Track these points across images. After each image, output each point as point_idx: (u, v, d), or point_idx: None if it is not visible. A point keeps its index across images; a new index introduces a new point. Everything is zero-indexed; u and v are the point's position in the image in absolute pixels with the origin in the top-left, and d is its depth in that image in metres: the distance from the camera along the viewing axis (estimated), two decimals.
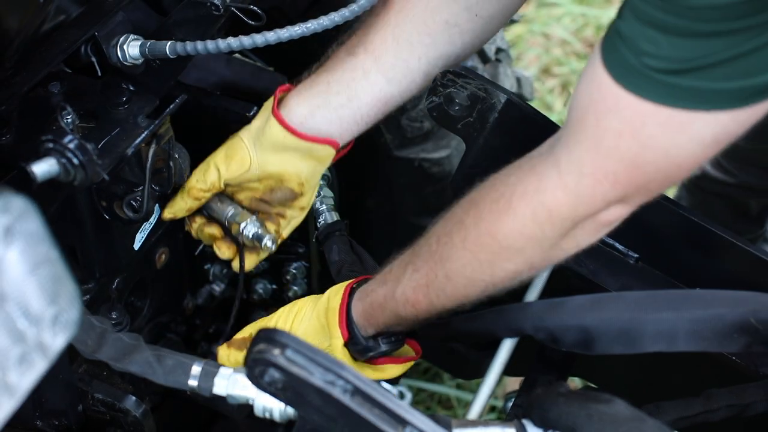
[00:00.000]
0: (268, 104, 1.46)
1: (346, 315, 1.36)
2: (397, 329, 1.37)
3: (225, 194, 1.51)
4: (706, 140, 1.04)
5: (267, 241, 1.47)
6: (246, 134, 1.47)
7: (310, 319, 1.41)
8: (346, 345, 1.37)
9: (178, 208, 1.50)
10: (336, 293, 1.39)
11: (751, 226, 2.40)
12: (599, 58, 1.05)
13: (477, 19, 1.40)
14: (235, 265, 1.54)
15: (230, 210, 1.50)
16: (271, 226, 1.51)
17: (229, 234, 1.52)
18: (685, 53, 0.99)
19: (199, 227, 1.54)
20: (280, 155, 1.45)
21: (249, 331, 1.48)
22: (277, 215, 1.52)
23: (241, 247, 1.52)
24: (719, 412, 1.32)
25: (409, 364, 1.43)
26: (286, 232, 1.54)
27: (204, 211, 1.52)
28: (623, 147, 1.06)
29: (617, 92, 1.03)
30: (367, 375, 1.30)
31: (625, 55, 1.02)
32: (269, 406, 1.20)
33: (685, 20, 0.97)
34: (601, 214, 1.13)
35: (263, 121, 1.45)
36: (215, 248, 1.54)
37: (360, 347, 1.37)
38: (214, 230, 1.52)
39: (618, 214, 1.14)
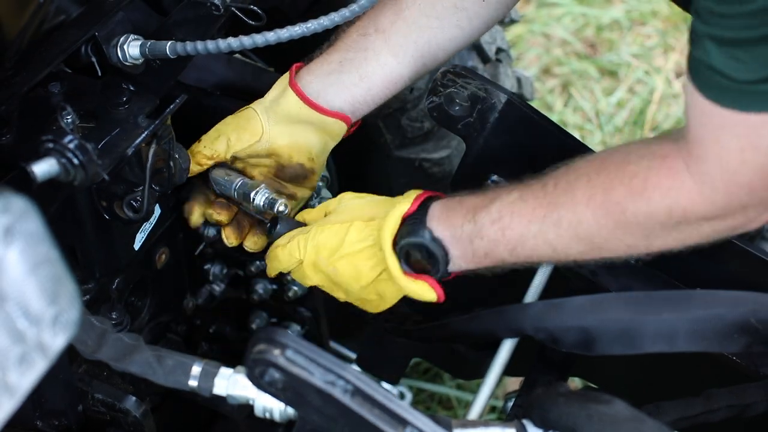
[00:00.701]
0: (284, 77, 1.48)
1: (423, 200, 1.31)
2: (457, 248, 1.28)
3: (233, 168, 1.50)
4: None
5: (280, 206, 1.44)
6: (259, 106, 1.48)
7: (377, 199, 1.40)
8: (405, 220, 1.30)
9: None
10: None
11: None
12: (693, 89, 1.09)
13: (485, 4, 1.44)
14: (252, 243, 1.52)
15: (239, 180, 1.48)
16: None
17: (239, 208, 1.50)
18: (766, 59, 1.02)
19: (203, 213, 1.52)
20: (292, 127, 1.46)
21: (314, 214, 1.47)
22: (289, 196, 1.51)
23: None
24: (719, 412, 1.32)
25: (433, 298, 1.31)
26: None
27: (214, 187, 1.50)
28: (749, 160, 1.08)
29: (722, 113, 1.07)
30: (394, 286, 1.32)
31: (717, 79, 1.05)
32: (269, 406, 1.20)
33: (751, 28, 1.01)
34: (739, 216, 1.15)
35: (278, 92, 1.47)
36: (223, 236, 1.52)
37: (419, 229, 1.27)
38: (222, 215, 1.50)
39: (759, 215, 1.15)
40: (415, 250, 1.28)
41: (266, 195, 1.45)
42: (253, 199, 1.45)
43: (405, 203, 1.29)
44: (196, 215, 1.53)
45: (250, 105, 1.49)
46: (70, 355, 1.31)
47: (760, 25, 1.00)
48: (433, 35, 1.45)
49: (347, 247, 1.34)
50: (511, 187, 1.26)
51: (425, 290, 1.29)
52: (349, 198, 1.42)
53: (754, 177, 1.09)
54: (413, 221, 1.28)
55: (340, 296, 1.42)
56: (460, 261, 1.28)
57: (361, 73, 1.45)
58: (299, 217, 1.48)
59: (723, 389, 1.32)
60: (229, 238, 1.52)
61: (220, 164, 1.50)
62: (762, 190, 1.11)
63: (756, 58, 1.02)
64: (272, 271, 1.46)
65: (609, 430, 1.11)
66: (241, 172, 1.50)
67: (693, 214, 1.14)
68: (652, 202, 1.14)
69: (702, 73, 1.07)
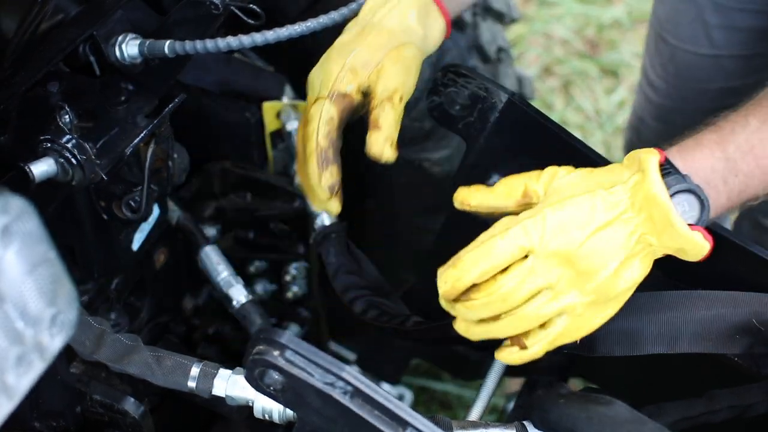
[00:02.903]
0: None
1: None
2: (710, 193, 1.14)
3: None
4: None
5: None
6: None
7: (600, 169, 1.18)
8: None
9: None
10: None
11: None
12: None
13: None
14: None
15: None
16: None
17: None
18: None
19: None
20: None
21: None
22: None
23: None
24: (721, 413, 1.31)
25: (707, 249, 1.14)
26: None
27: None
28: None
29: None
30: (679, 234, 1.10)
31: None
32: (268, 407, 1.20)
33: None
34: None
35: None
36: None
37: (679, 178, 1.12)
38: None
39: None
40: (678, 203, 1.12)
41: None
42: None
43: (653, 154, 1.12)
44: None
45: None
46: (68, 355, 1.30)
47: None
48: None
49: (599, 219, 1.12)
50: (743, 113, 1.15)
51: (702, 241, 1.12)
52: (564, 173, 1.19)
53: None
54: (666, 171, 1.12)
55: (585, 289, 1.14)
56: (713, 208, 1.14)
57: None
58: (479, 207, 1.22)
59: (725, 390, 1.32)
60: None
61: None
62: None
63: None
64: (466, 280, 1.15)
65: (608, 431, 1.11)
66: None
67: None
68: None
69: None
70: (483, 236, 1.15)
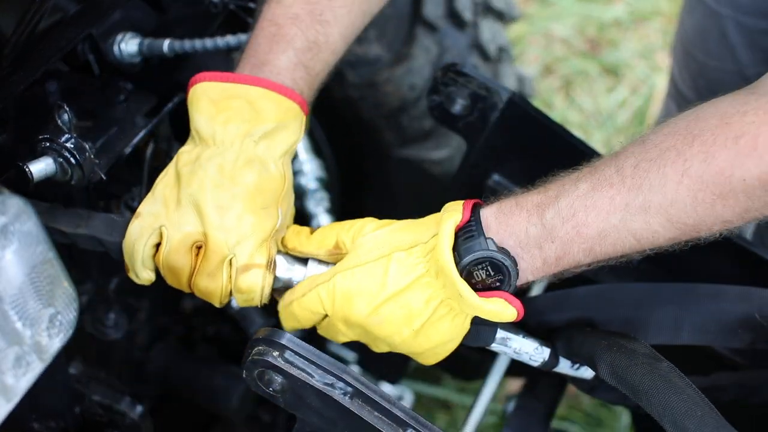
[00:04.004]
0: None
1: (471, 208, 1.13)
2: (524, 257, 1.11)
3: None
4: None
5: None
6: None
7: (408, 223, 1.18)
8: (457, 235, 1.11)
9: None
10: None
11: None
12: None
13: None
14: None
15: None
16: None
17: None
18: None
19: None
20: None
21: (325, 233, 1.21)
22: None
23: None
24: (728, 391, 1.31)
25: (513, 315, 1.12)
26: None
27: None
28: None
29: None
30: (471, 306, 1.09)
31: None
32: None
33: None
34: None
35: None
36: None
37: (480, 241, 1.09)
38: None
39: None
40: (479, 267, 1.10)
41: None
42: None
43: (454, 214, 1.11)
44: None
45: None
46: (66, 356, 1.30)
47: None
48: None
49: (392, 286, 1.12)
50: (574, 177, 1.11)
51: (503, 308, 1.10)
52: (371, 228, 1.18)
53: None
54: (468, 234, 1.10)
55: (383, 349, 1.20)
56: (527, 272, 1.11)
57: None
58: (293, 250, 1.21)
59: (732, 373, 1.32)
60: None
61: None
62: None
63: None
64: (290, 330, 1.20)
65: (623, 360, 1.09)
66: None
67: None
68: (763, 161, 1.01)
69: None
70: (287, 297, 1.19)
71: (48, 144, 1.21)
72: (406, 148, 1.88)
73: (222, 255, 1.15)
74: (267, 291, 1.17)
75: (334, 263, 1.18)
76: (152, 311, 1.63)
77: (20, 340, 1.00)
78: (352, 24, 1.28)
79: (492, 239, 1.09)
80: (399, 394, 2.10)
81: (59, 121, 1.23)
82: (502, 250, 1.09)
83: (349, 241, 1.18)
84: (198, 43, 1.33)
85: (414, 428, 1.06)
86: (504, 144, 1.42)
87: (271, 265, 1.17)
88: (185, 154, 1.20)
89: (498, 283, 1.10)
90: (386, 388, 1.96)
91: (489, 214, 1.12)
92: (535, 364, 1.21)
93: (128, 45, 1.36)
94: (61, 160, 1.21)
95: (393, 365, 1.81)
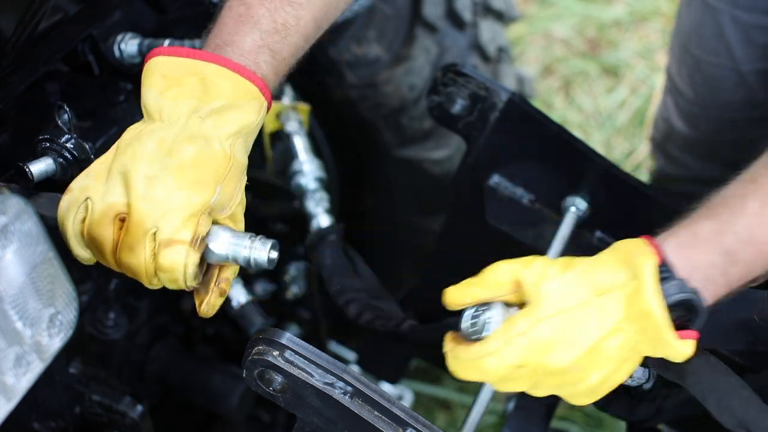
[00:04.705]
0: None
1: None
2: (708, 288, 1.08)
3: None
4: None
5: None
6: None
7: (592, 263, 1.11)
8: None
9: None
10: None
11: None
12: None
13: None
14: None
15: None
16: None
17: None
18: None
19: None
20: None
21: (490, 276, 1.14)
22: None
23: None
24: None
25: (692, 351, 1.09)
26: None
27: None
28: None
29: None
30: (669, 350, 1.07)
31: None
32: None
33: None
34: None
35: None
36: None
37: (675, 283, 1.05)
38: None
39: None
40: (677, 308, 1.07)
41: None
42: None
43: (649, 256, 1.07)
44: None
45: None
46: (66, 356, 1.30)
47: None
48: None
49: (594, 333, 1.08)
50: (739, 194, 1.09)
51: (689, 349, 1.08)
52: (556, 272, 1.10)
53: None
54: (664, 275, 1.07)
55: (549, 393, 1.14)
56: (714, 296, 1.10)
57: None
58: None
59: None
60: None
61: None
62: None
63: None
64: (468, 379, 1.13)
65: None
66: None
67: None
68: None
69: None
70: (475, 350, 1.09)
71: (48, 144, 1.21)
72: (406, 148, 1.88)
73: (144, 228, 1.06)
74: (191, 270, 1.08)
75: (516, 304, 1.13)
76: (152, 311, 1.63)
77: (20, 340, 1.00)
78: (326, 7, 1.22)
79: (686, 279, 1.06)
80: (399, 393, 2.10)
81: (59, 121, 1.23)
82: (694, 290, 1.06)
83: (533, 285, 1.10)
84: (197, 44, 1.33)
85: (414, 428, 1.06)
86: (504, 144, 1.42)
87: (196, 242, 1.07)
88: (130, 131, 1.13)
89: (688, 322, 1.07)
90: (386, 387, 1.96)
91: (670, 251, 1.08)
92: (633, 384, 1.21)
93: (128, 45, 1.36)
94: (61, 160, 1.21)
95: (393, 365, 1.81)
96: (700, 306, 1.07)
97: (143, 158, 1.08)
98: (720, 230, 1.08)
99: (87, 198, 1.09)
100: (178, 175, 1.08)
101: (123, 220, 1.08)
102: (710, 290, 1.08)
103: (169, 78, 1.12)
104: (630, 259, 1.08)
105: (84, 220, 1.10)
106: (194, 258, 1.08)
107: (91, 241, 1.10)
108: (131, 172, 1.08)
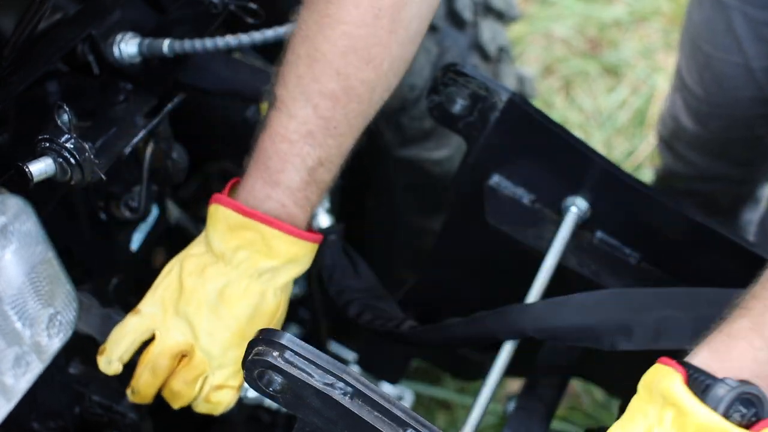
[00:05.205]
0: None
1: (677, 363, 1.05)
2: (760, 383, 1.02)
3: None
4: None
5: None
6: None
7: (623, 424, 1.08)
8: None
9: None
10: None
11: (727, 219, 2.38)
12: None
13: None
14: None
15: None
16: None
17: None
18: None
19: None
20: None
21: None
22: None
23: None
24: None
25: None
26: None
27: None
28: None
29: None
30: None
31: None
32: None
33: None
34: None
35: None
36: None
37: (711, 387, 1.00)
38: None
39: None
40: (735, 408, 1.01)
41: None
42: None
43: (674, 379, 1.02)
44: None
45: None
46: (67, 356, 1.30)
47: None
48: None
49: None
50: (765, 289, 1.06)
51: None
52: None
53: None
54: (700, 385, 1.02)
55: None
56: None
57: None
58: None
59: None
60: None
61: None
62: None
63: None
64: None
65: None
66: None
67: None
68: None
69: None
70: None
71: (48, 144, 1.21)
72: (406, 148, 1.88)
73: (203, 371, 1.25)
74: (230, 406, 1.30)
75: None
76: None
77: (20, 340, 1.00)
78: (364, 126, 1.27)
79: (727, 378, 1.01)
80: (399, 394, 2.09)
81: (59, 121, 1.23)
82: (745, 382, 1.00)
83: None
84: (198, 43, 1.33)
85: (414, 428, 1.06)
86: (504, 144, 1.42)
87: (240, 387, 1.29)
88: (193, 259, 1.26)
89: (754, 417, 1.01)
90: (386, 388, 1.95)
91: (703, 361, 1.03)
92: None
93: (128, 45, 1.36)
94: (61, 160, 1.21)
95: (393, 365, 1.81)
96: (758, 393, 1.00)
97: (205, 312, 1.24)
98: (756, 324, 1.03)
99: (156, 329, 1.25)
100: (235, 334, 1.25)
101: (183, 356, 1.26)
102: (763, 386, 1.01)
103: (233, 230, 1.23)
104: (653, 389, 1.04)
105: (142, 343, 1.27)
106: (236, 399, 1.30)
107: (152, 366, 1.25)
108: (196, 324, 1.24)
